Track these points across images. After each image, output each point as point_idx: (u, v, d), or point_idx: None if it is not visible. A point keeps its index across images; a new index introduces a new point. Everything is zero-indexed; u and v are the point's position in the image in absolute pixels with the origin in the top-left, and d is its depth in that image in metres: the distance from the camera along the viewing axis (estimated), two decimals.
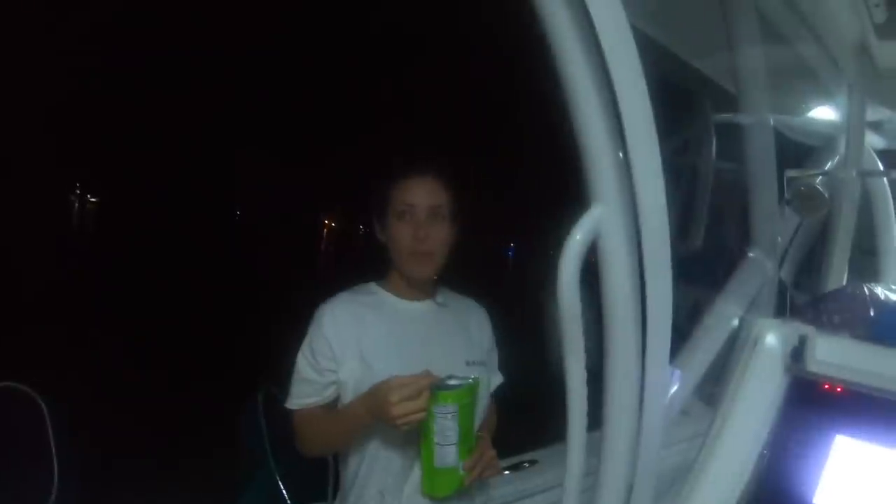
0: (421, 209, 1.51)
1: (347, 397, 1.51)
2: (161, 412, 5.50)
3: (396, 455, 1.51)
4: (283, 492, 1.88)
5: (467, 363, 1.56)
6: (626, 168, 0.89)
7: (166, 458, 4.56)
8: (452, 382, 1.41)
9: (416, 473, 1.50)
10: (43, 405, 1.63)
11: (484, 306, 1.74)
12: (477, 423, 1.54)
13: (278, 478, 1.88)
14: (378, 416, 1.37)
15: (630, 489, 1.10)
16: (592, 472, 1.12)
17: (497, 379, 1.74)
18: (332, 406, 1.55)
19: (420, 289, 1.60)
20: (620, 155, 0.89)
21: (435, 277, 1.62)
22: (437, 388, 1.38)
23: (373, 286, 1.63)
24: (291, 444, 1.74)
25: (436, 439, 1.40)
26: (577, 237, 0.89)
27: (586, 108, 0.86)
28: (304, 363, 1.54)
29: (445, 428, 1.38)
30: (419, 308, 1.61)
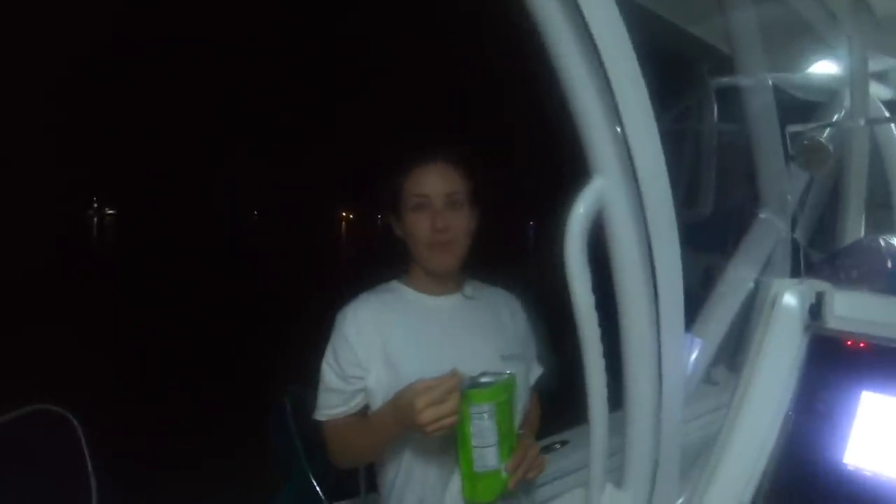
0: (437, 198, 1.44)
1: (377, 405, 1.42)
2: (186, 418, 5.55)
3: (433, 464, 1.43)
4: (318, 490, 1.89)
5: (503, 357, 1.47)
6: (623, 138, 0.88)
7: (195, 464, 4.59)
8: (485, 380, 1.31)
9: (456, 482, 1.40)
10: (77, 425, 1.64)
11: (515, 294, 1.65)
12: (517, 420, 1.44)
13: (311, 477, 1.89)
14: (406, 425, 1.27)
15: (656, 460, 1.10)
16: (619, 451, 1.12)
17: (536, 370, 1.64)
18: (362, 415, 1.46)
19: (445, 282, 1.52)
20: (617, 127, 0.89)
21: (459, 268, 1.53)
22: (469, 387, 1.29)
23: (395, 284, 1.56)
24: (322, 443, 1.73)
25: (473, 442, 1.29)
26: (581, 210, 0.88)
27: (578, 83, 0.86)
28: (328, 372, 1.47)
29: (483, 429, 1.28)
30: (446, 303, 1.53)
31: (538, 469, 1.39)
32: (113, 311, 11.97)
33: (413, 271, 1.54)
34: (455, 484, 1.40)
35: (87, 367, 6.94)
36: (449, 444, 1.36)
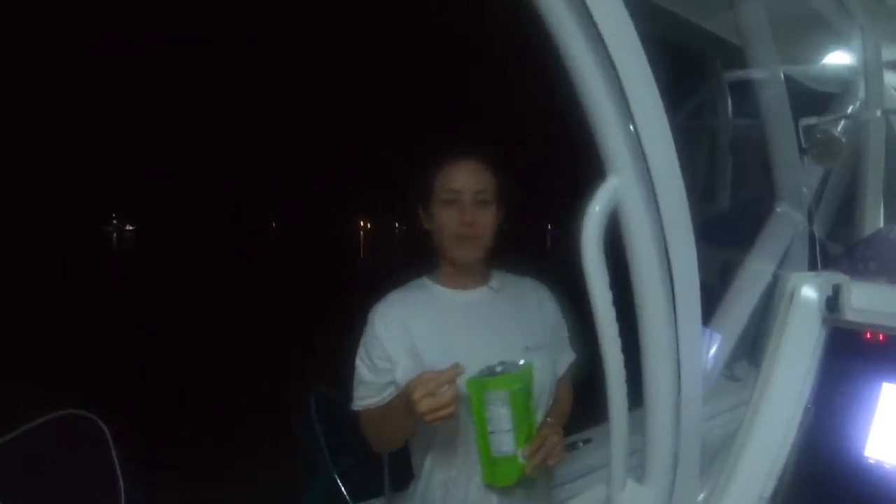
0: (467, 194, 1.50)
1: None
2: (212, 421, 5.61)
3: (459, 447, 1.50)
4: (343, 490, 1.90)
5: (526, 348, 1.51)
6: (636, 136, 0.89)
7: (221, 465, 4.63)
8: (500, 369, 1.39)
9: (479, 464, 1.47)
10: (105, 429, 1.66)
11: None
12: (541, 409, 1.52)
13: (336, 476, 1.90)
14: (411, 413, 1.32)
15: (676, 455, 1.11)
16: (640, 450, 1.12)
17: (567, 357, 1.68)
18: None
19: (472, 276, 1.59)
20: (630, 126, 0.90)
21: (486, 262, 1.59)
22: (484, 375, 1.37)
23: (424, 280, 1.63)
24: (347, 444, 1.76)
25: (489, 427, 1.37)
26: (596, 208, 0.89)
27: (589, 82, 0.86)
28: (361, 365, 1.54)
29: (498, 415, 1.35)
30: (472, 297, 1.59)
31: (557, 457, 1.44)
32: (136, 320, 12.10)
33: (441, 267, 1.60)
34: (479, 466, 1.46)
35: (113, 375, 7.04)
36: (471, 433, 1.42)
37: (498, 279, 1.63)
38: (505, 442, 1.36)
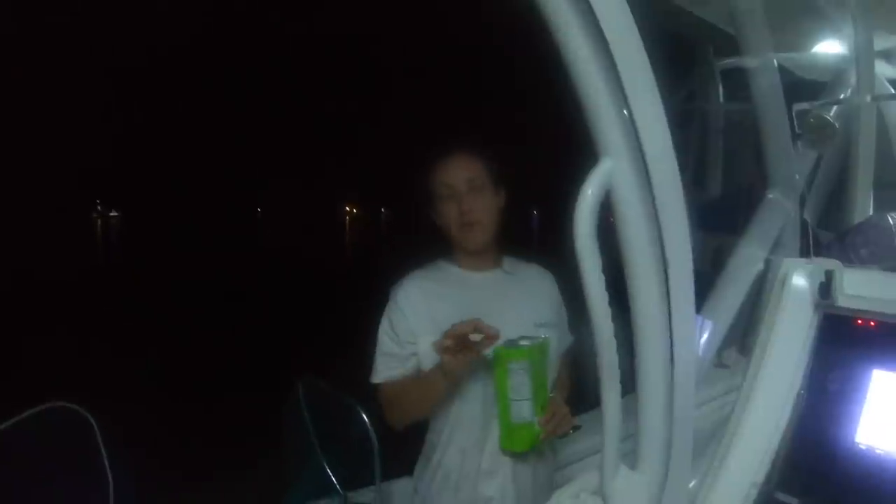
0: (459, 184, 1.60)
1: (427, 367, 1.61)
2: (199, 412, 5.59)
3: (477, 417, 1.60)
4: (332, 479, 1.90)
5: (536, 325, 1.63)
6: (629, 117, 0.88)
7: (210, 457, 4.61)
8: (523, 342, 1.50)
9: (495, 433, 1.59)
10: (93, 421, 1.65)
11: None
12: (550, 383, 1.63)
13: (326, 466, 1.90)
14: (440, 366, 1.48)
15: (669, 441, 1.10)
16: (632, 436, 1.12)
17: (568, 339, 1.79)
18: (414, 377, 1.65)
19: (485, 259, 1.70)
20: (623, 107, 0.88)
21: (496, 247, 1.70)
22: (508, 345, 1.49)
23: (442, 262, 1.73)
24: (336, 433, 1.78)
25: (510, 395, 1.49)
26: (589, 192, 0.88)
27: (582, 62, 0.85)
28: (384, 338, 1.66)
29: (519, 384, 1.48)
30: (487, 277, 1.70)
31: (568, 426, 1.59)
32: (122, 309, 12.02)
33: (455, 252, 1.72)
34: (494, 434, 1.59)
35: (99, 365, 6.99)
36: (490, 399, 1.57)
37: (510, 263, 1.75)
38: (524, 409, 1.50)
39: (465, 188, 1.60)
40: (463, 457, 1.62)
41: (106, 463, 1.65)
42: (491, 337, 1.43)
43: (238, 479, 3.76)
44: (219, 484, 3.86)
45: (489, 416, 1.59)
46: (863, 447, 1.17)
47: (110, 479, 1.64)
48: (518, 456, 1.59)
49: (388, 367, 1.65)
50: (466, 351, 1.44)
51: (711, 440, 1.32)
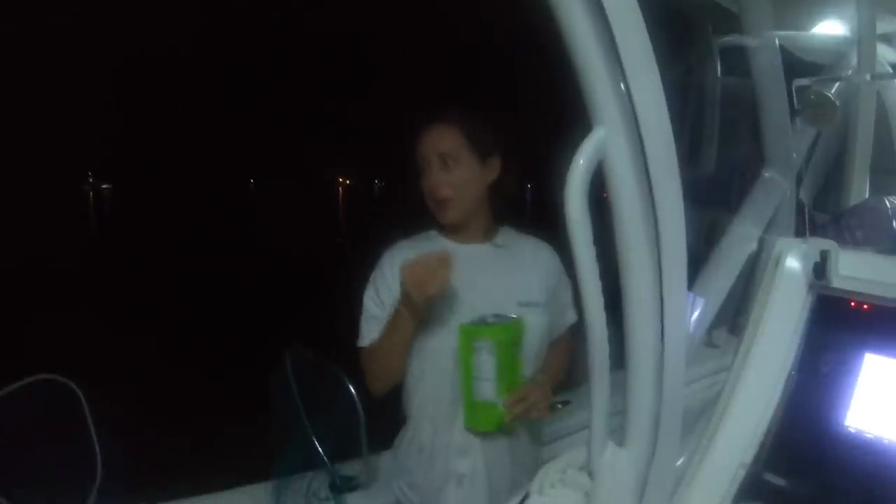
0: (432, 158, 1.57)
1: None
2: (188, 384, 5.60)
3: (446, 392, 1.60)
4: (320, 451, 1.90)
5: (519, 304, 1.59)
6: (625, 86, 0.86)
7: (199, 430, 4.63)
8: (491, 320, 1.48)
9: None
10: (81, 394, 1.65)
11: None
12: (530, 365, 1.61)
13: (313, 438, 1.90)
14: (404, 301, 1.50)
15: (658, 418, 1.09)
16: (620, 412, 1.11)
17: (568, 318, 1.76)
18: None
19: (472, 232, 1.66)
20: (618, 73, 0.86)
21: (487, 219, 1.67)
22: (474, 323, 1.47)
23: (432, 233, 1.71)
24: (324, 404, 1.78)
25: (474, 374, 1.47)
26: (581, 161, 0.86)
27: (578, 27, 0.83)
28: (369, 302, 1.66)
29: (483, 362, 1.45)
30: (475, 251, 1.66)
31: (540, 412, 1.56)
32: (113, 281, 12.01)
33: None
34: (462, 418, 1.58)
35: (87, 337, 6.99)
36: (459, 381, 1.54)
37: (504, 236, 1.70)
38: (487, 389, 1.47)
39: (437, 162, 1.57)
40: (434, 432, 1.62)
41: (93, 434, 1.65)
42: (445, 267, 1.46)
43: (224, 452, 3.77)
44: (207, 456, 3.86)
45: (457, 393, 1.58)
46: (852, 431, 1.17)
47: (97, 450, 1.64)
48: (489, 435, 1.57)
49: (372, 330, 1.65)
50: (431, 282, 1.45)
51: (700, 418, 1.31)
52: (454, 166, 1.56)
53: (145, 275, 12.54)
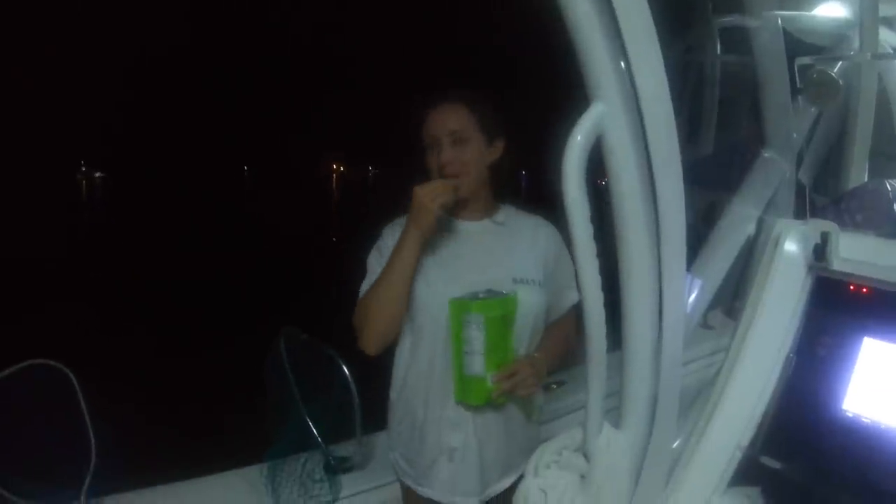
0: (442, 137, 1.58)
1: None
2: (183, 369, 5.60)
3: (438, 366, 1.60)
4: (314, 432, 1.90)
5: (514, 280, 1.59)
6: (624, 60, 0.84)
7: (193, 415, 4.63)
8: (483, 295, 1.49)
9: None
10: (73, 378, 1.64)
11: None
12: (524, 342, 1.61)
13: (308, 419, 1.90)
14: (413, 219, 1.51)
15: (654, 400, 1.08)
16: (617, 392, 1.10)
17: (569, 299, 1.75)
18: None
19: (473, 209, 1.67)
20: (619, 53, 0.85)
21: (488, 196, 1.68)
22: (465, 297, 1.48)
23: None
24: (318, 385, 1.82)
25: (463, 347, 1.48)
26: (579, 137, 0.84)
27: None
28: (372, 262, 1.65)
29: (472, 337, 1.46)
30: (474, 227, 1.67)
31: (529, 389, 1.55)
32: (107, 266, 12.00)
33: None
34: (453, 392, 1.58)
35: (86, 325, 6.98)
36: (450, 354, 1.54)
37: (504, 214, 1.71)
38: (476, 363, 1.47)
39: (448, 140, 1.59)
40: (426, 406, 1.62)
41: (87, 418, 1.65)
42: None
43: (219, 435, 3.77)
44: (202, 439, 3.86)
45: (449, 367, 1.58)
46: (849, 415, 1.16)
47: (91, 434, 1.64)
48: (481, 409, 1.58)
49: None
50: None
51: (697, 400, 1.31)
52: (464, 145, 1.59)
53: (138, 262, 12.50)
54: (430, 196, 1.50)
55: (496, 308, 1.49)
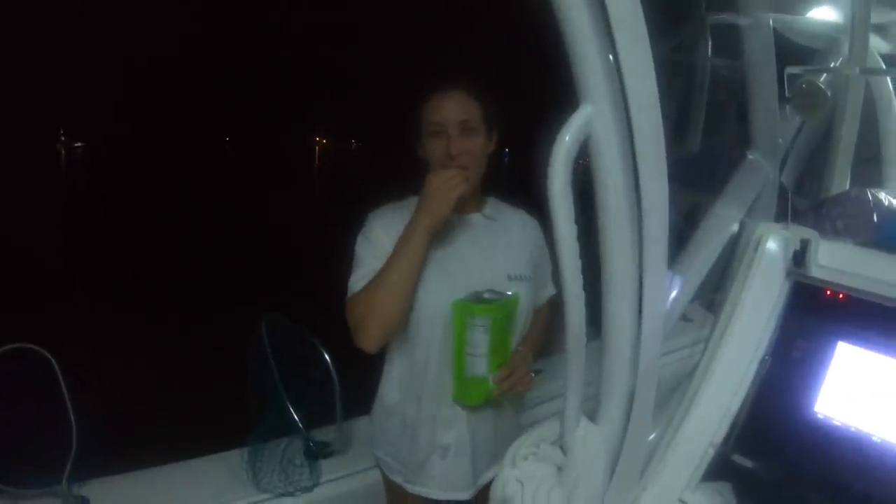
0: (451, 125, 1.52)
1: None
2: (163, 355, 5.56)
3: (433, 365, 1.57)
4: (295, 417, 1.91)
5: (509, 277, 1.58)
6: (615, 64, 0.85)
7: (174, 400, 4.61)
8: (487, 296, 1.48)
9: (451, 383, 1.56)
10: (54, 363, 1.64)
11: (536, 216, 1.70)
12: (515, 338, 1.60)
13: (289, 404, 1.91)
14: (424, 205, 1.44)
15: (632, 395, 1.10)
16: (595, 382, 1.12)
17: (547, 291, 1.76)
18: None
19: (465, 202, 1.59)
20: (609, 56, 0.85)
21: (480, 190, 1.64)
22: (471, 300, 1.46)
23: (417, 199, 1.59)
24: (299, 370, 1.84)
25: (466, 349, 1.46)
26: (566, 138, 0.85)
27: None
28: (362, 251, 1.57)
29: (477, 340, 1.44)
30: (467, 221, 1.63)
31: (524, 385, 1.55)
32: (88, 242, 11.85)
33: None
34: (449, 391, 1.57)
35: (63, 302, 6.91)
36: (450, 347, 1.52)
37: (492, 207, 1.68)
38: (479, 365, 1.47)
39: (457, 130, 1.52)
40: (419, 404, 1.60)
41: (68, 403, 1.65)
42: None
43: (201, 418, 3.76)
44: (182, 423, 3.85)
45: (447, 365, 1.55)
46: (821, 417, 1.19)
47: (73, 418, 1.65)
48: (475, 407, 1.57)
49: (365, 275, 1.54)
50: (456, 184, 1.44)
51: (674, 393, 1.32)
52: (473, 135, 1.54)
53: (118, 238, 12.31)
54: (448, 185, 1.44)
55: (502, 310, 1.48)
